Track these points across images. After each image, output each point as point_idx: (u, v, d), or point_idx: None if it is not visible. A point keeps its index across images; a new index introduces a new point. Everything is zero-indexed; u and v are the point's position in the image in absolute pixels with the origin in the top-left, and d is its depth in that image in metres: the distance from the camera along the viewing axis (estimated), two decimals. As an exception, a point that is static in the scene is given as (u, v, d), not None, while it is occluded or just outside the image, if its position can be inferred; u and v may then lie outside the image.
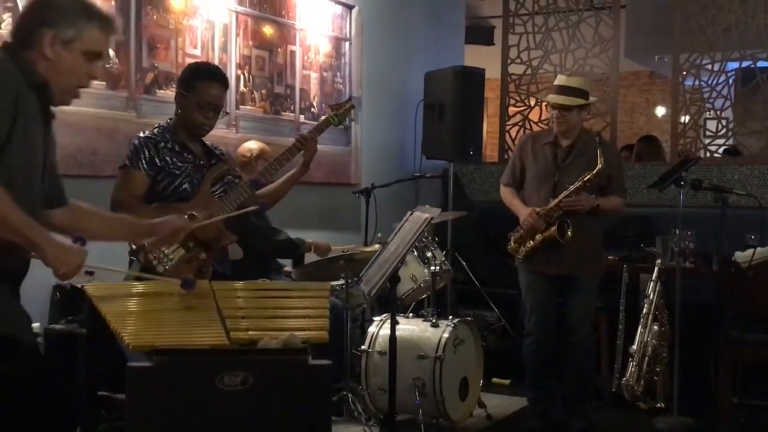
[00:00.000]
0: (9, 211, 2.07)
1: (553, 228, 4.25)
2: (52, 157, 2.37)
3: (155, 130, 3.44)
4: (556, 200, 4.27)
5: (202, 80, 3.43)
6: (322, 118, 3.83)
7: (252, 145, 4.70)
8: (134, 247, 3.31)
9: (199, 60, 4.53)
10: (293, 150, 3.60)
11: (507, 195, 4.55)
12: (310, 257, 4.79)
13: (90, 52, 2.29)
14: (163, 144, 3.38)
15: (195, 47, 4.68)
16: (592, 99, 4.51)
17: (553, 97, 4.38)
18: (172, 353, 2.03)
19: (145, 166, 3.34)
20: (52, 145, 2.37)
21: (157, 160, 3.35)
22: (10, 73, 2.17)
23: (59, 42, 2.24)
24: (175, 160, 3.39)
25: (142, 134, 3.43)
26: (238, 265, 4.17)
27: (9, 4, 3.75)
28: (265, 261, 4.62)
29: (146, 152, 3.35)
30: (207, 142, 3.55)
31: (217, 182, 3.48)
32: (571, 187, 4.26)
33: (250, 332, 2.26)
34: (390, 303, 3.47)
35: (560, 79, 4.51)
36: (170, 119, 3.49)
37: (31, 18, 2.28)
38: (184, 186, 3.37)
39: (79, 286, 3.34)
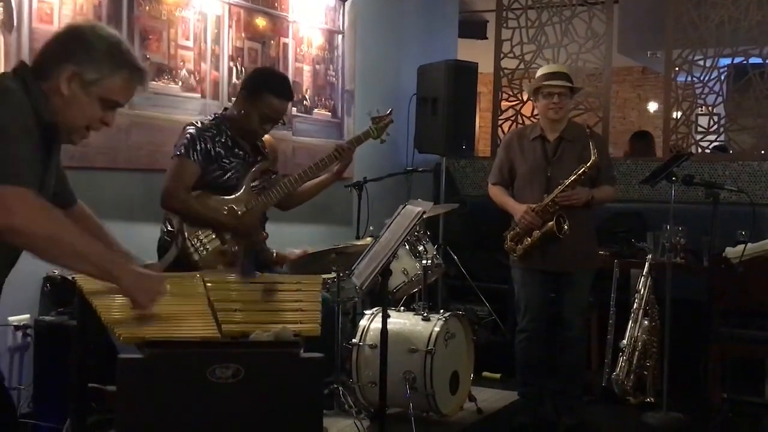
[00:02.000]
0: (77, 238, 1.99)
1: (551, 223, 4.24)
2: (54, 181, 2.23)
3: (212, 121, 3.52)
4: (552, 195, 4.26)
5: (270, 93, 3.53)
6: (363, 130, 4.04)
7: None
8: (171, 229, 3.38)
9: (187, 54, 4.53)
10: (331, 158, 3.77)
11: (497, 194, 4.52)
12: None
13: (108, 99, 2.14)
14: (217, 137, 3.46)
15: (187, 39, 4.65)
16: (578, 87, 4.59)
17: (550, 82, 4.33)
18: (163, 345, 2.02)
19: (199, 157, 3.44)
20: (55, 171, 2.23)
21: (212, 152, 3.47)
22: (24, 111, 2.02)
23: (77, 81, 2.09)
24: (227, 154, 3.51)
25: (198, 123, 3.51)
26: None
27: (0, -6, 3.72)
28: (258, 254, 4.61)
29: (202, 143, 3.44)
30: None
31: (257, 178, 3.60)
32: (567, 181, 4.24)
33: (241, 325, 2.26)
34: (381, 297, 3.47)
35: (550, 67, 4.56)
36: (226, 110, 3.57)
37: (57, 48, 2.13)
38: (231, 180, 3.50)
39: (70, 277, 3.34)
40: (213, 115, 3.62)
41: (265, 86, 3.54)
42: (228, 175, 3.49)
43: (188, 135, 3.46)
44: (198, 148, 3.43)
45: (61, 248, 1.97)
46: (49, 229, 1.94)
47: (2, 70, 3.21)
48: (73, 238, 1.99)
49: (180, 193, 3.41)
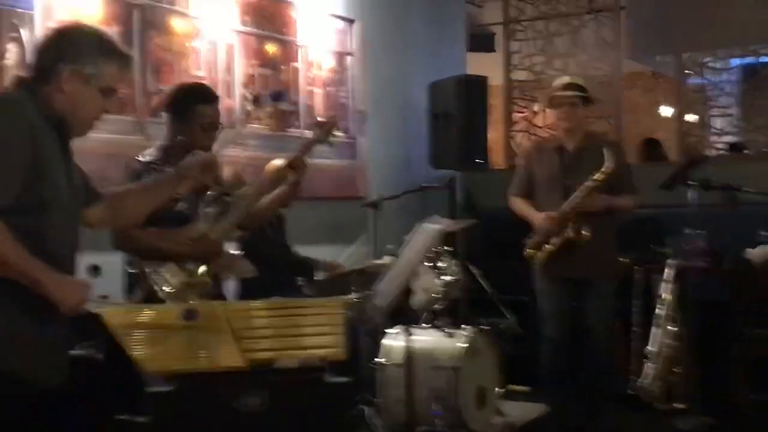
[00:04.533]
0: (8, 250, 2.09)
1: (569, 229, 4.26)
2: (76, 178, 2.37)
3: (155, 153, 3.43)
4: (569, 202, 4.29)
5: (200, 104, 3.42)
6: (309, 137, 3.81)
7: (280, 163, 4.70)
8: (134, 270, 3.31)
9: (196, 81, 4.55)
10: (284, 171, 3.59)
11: (518, 204, 4.57)
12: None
13: (107, 88, 2.32)
14: (162, 168, 3.37)
15: (199, 69, 4.70)
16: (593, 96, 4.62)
17: (561, 93, 4.41)
18: (191, 377, 2.04)
19: None
20: (75, 169, 2.38)
21: None
22: (25, 117, 2.17)
23: (78, 78, 2.26)
24: None
25: (141, 158, 3.41)
26: (252, 282, 4.19)
27: (14, 35, 3.78)
28: (278, 276, 4.62)
29: (147, 176, 3.33)
30: None
31: (209, 205, 3.48)
32: (583, 188, 4.28)
33: (266, 352, 2.26)
34: (404, 315, 3.47)
35: (562, 79, 4.62)
36: (163, 142, 3.48)
37: (50, 53, 2.28)
38: (182, 209, 3.34)
39: (95, 311, 3.35)
40: (154, 148, 3.51)
41: (192, 100, 3.44)
42: (179, 204, 3.30)
43: (132, 170, 3.37)
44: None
45: None
46: None
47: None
48: (6, 250, 2.09)
49: (130, 231, 3.33)
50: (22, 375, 2.16)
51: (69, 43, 2.27)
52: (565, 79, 4.59)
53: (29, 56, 3.75)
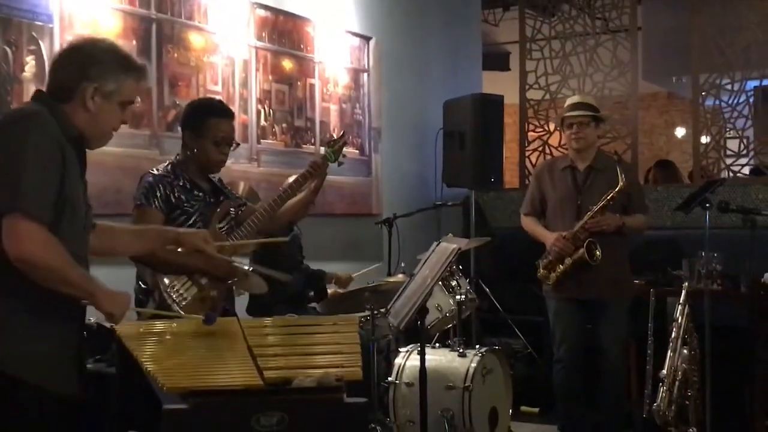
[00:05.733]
0: (67, 265, 2.18)
1: (582, 250, 4.24)
2: (87, 196, 2.43)
3: (168, 168, 3.44)
4: (582, 222, 4.27)
5: (214, 117, 3.43)
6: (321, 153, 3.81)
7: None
8: (146, 286, 3.31)
9: (217, 98, 4.56)
10: (305, 176, 3.61)
11: (529, 224, 4.55)
12: (330, 289, 4.78)
13: (126, 101, 2.38)
14: (176, 182, 3.39)
15: (216, 84, 4.71)
16: (604, 115, 4.60)
17: (569, 113, 4.43)
18: (207, 395, 2.02)
19: (161, 204, 3.32)
20: (86, 186, 2.42)
21: (173, 198, 3.35)
22: (54, 133, 2.21)
23: (100, 95, 2.30)
24: (188, 197, 3.39)
25: (155, 171, 3.42)
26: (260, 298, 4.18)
27: (33, 47, 3.80)
28: (289, 290, 4.61)
29: (161, 189, 3.33)
30: (213, 178, 3.55)
31: (223, 219, 3.48)
32: (595, 208, 4.26)
33: (282, 371, 2.24)
34: (419, 335, 3.45)
35: (573, 99, 4.63)
36: (178, 156, 3.49)
37: (71, 71, 2.31)
38: (198, 225, 3.36)
39: (108, 325, 3.34)
40: (167, 162, 3.53)
41: (206, 114, 3.44)
42: (193, 218, 3.35)
43: (146, 184, 3.35)
44: (158, 194, 3.31)
45: (57, 277, 2.18)
46: (50, 262, 2.15)
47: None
48: (65, 267, 2.19)
49: None
50: (44, 387, 2.21)
51: (90, 61, 2.31)
52: (575, 99, 4.60)
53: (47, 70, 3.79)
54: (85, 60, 2.31)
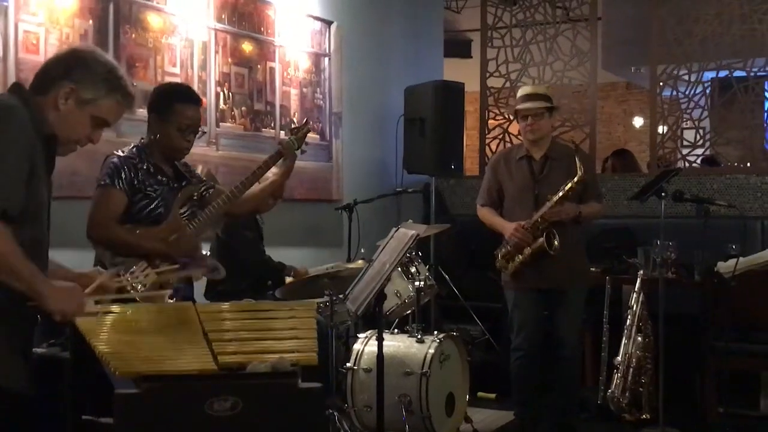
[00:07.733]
0: (15, 259, 2.10)
1: (541, 239, 4.26)
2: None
3: (133, 150, 3.42)
4: (540, 211, 4.29)
5: (180, 103, 3.40)
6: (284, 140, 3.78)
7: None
8: (105, 270, 3.28)
9: (175, 80, 4.51)
10: (274, 157, 3.59)
11: (486, 215, 4.55)
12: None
13: (99, 118, 2.32)
14: (140, 165, 3.36)
15: (174, 65, 4.65)
16: (556, 105, 4.60)
17: (522, 105, 4.42)
18: (159, 379, 2.00)
19: (124, 185, 3.31)
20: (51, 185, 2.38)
21: (136, 181, 3.33)
22: (26, 127, 2.17)
23: (74, 98, 2.26)
24: (151, 182, 3.37)
25: (120, 153, 3.39)
26: (221, 284, 4.16)
27: None
28: (251, 279, 4.59)
29: (126, 171, 3.32)
30: (177, 163, 3.52)
31: (185, 204, 3.46)
32: (554, 198, 4.27)
33: (238, 356, 2.23)
34: (377, 320, 3.45)
35: (525, 89, 4.61)
36: (142, 140, 3.46)
37: (58, 67, 2.29)
38: (159, 209, 3.35)
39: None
40: (132, 145, 3.50)
41: (172, 99, 3.42)
42: (155, 203, 3.35)
43: (111, 164, 3.33)
44: (123, 176, 3.29)
45: (6, 268, 2.10)
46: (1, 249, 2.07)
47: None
48: (14, 259, 2.10)
49: (107, 222, 3.30)
50: None
51: (79, 64, 2.29)
52: (528, 90, 4.56)
53: (2, 50, 3.71)
54: (76, 62, 2.29)
